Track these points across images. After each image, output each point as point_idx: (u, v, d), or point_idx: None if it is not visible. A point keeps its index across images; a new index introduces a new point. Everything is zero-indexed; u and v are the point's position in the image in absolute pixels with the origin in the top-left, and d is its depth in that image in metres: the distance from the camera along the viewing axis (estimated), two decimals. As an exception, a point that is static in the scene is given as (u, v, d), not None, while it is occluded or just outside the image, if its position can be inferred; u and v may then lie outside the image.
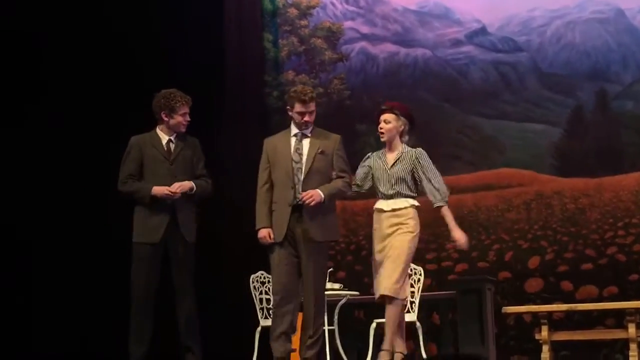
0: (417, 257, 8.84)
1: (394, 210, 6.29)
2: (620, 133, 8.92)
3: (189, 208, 6.38)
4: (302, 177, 6.10)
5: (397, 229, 6.24)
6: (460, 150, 9.37)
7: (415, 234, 6.30)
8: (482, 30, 9.51)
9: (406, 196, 6.33)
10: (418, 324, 7.55)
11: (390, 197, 6.31)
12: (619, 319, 7.87)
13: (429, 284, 8.65)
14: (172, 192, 6.22)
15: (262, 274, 8.05)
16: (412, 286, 7.61)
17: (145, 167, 6.36)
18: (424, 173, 6.32)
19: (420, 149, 6.42)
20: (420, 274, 7.70)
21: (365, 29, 9.87)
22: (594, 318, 8.34)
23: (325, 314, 7.20)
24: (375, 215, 6.37)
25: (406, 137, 6.46)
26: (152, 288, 6.26)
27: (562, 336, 7.21)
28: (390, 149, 6.41)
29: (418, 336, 7.57)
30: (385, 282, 6.13)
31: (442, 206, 6.32)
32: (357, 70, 9.84)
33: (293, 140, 6.24)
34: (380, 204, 6.35)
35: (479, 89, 9.43)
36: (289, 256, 6.09)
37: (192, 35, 8.92)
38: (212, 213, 8.48)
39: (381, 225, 6.29)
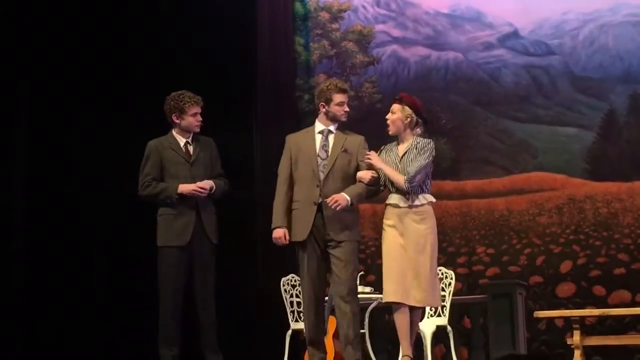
0: (448, 261, 8.90)
1: (411, 207, 6.08)
2: (653, 137, 8.87)
3: (210, 209, 6.40)
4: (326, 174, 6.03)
5: (418, 230, 6.07)
6: (492, 154, 9.34)
7: (435, 233, 6.16)
8: (514, 34, 9.47)
9: (422, 191, 6.14)
10: (449, 328, 7.54)
11: (406, 192, 6.09)
12: (652, 324, 7.84)
13: (460, 288, 8.64)
14: (200, 188, 6.25)
15: (293, 277, 8.07)
16: (443, 290, 7.60)
17: (166, 170, 6.39)
18: (411, 159, 6.11)
19: (428, 140, 6.22)
20: (452, 278, 7.69)
21: (396, 32, 9.86)
22: (627, 323, 8.30)
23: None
24: (389, 211, 6.13)
25: (418, 130, 6.25)
26: (181, 291, 6.29)
27: (594, 341, 7.14)
28: (401, 141, 6.23)
29: (449, 340, 7.57)
30: (416, 292, 6.00)
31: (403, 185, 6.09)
32: (389, 73, 9.82)
33: (319, 137, 6.16)
34: (395, 199, 6.12)
35: (511, 92, 9.39)
36: (316, 256, 6.04)
37: (225, 39, 8.96)
38: (245, 215, 8.55)
39: (399, 222, 6.08)
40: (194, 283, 6.30)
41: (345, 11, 9.97)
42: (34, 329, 8.39)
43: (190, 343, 6.32)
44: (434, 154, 6.22)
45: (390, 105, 6.30)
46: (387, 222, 6.15)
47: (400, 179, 6.07)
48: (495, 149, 9.35)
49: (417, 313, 6.20)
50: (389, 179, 6.12)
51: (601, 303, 8.49)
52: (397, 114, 6.21)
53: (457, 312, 8.23)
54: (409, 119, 6.20)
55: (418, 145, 6.18)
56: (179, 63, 8.74)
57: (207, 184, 6.32)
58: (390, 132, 6.26)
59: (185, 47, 8.85)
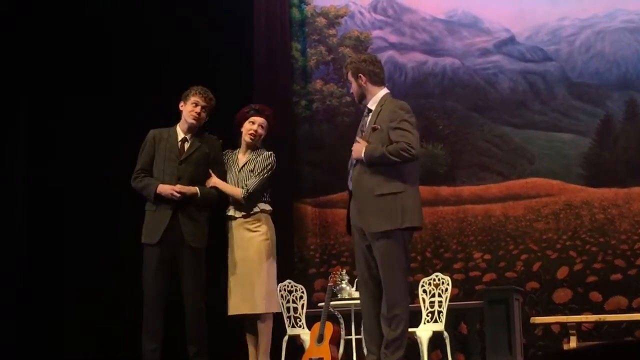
0: (445, 266, 8.90)
1: (245, 216, 6.26)
2: (650, 143, 8.87)
3: (193, 211, 6.27)
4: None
5: (252, 239, 6.22)
6: (489, 159, 9.34)
7: (272, 239, 6.26)
8: (511, 40, 9.47)
9: (258, 201, 6.30)
10: (445, 333, 7.53)
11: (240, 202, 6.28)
12: (648, 330, 7.84)
13: (456, 293, 8.63)
14: (176, 192, 6.16)
15: (290, 283, 8.07)
16: (439, 296, 7.60)
17: (155, 162, 6.33)
18: (250, 170, 6.31)
19: (270, 153, 6.40)
20: (448, 284, 7.68)
21: (393, 38, 9.86)
22: (623, 329, 8.28)
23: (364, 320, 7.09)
24: (227, 223, 6.33)
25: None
26: (160, 289, 6.24)
27: (590, 347, 7.15)
28: (248, 150, 6.41)
29: (445, 346, 7.56)
30: (256, 300, 6.18)
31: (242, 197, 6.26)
32: (385, 79, 9.80)
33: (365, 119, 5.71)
34: (231, 210, 6.32)
35: (507, 98, 9.39)
36: (362, 251, 5.60)
37: (222, 44, 8.96)
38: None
39: (237, 233, 6.26)
40: (180, 281, 6.28)
41: (342, 17, 9.98)
42: (65, 324, 8.48)
43: (178, 339, 6.32)
44: (274, 167, 6.37)
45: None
46: (229, 234, 6.32)
47: (237, 192, 6.27)
48: (491, 154, 9.35)
49: (262, 321, 6.33)
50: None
51: (598, 309, 8.48)
52: (265, 129, 6.42)
53: (454, 317, 8.23)
54: (265, 134, 6.43)
55: (259, 158, 6.34)
56: (175, 65, 8.75)
57: (189, 189, 6.21)
58: (253, 142, 6.40)
59: (180, 50, 8.85)
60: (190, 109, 6.33)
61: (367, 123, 5.62)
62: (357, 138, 5.58)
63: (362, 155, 5.45)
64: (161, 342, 6.25)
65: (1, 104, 8.46)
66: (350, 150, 5.69)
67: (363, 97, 5.71)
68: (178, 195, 6.15)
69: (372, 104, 5.66)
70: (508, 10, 9.50)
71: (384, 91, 5.71)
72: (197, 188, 6.26)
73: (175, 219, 6.20)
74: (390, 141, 5.44)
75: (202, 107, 6.33)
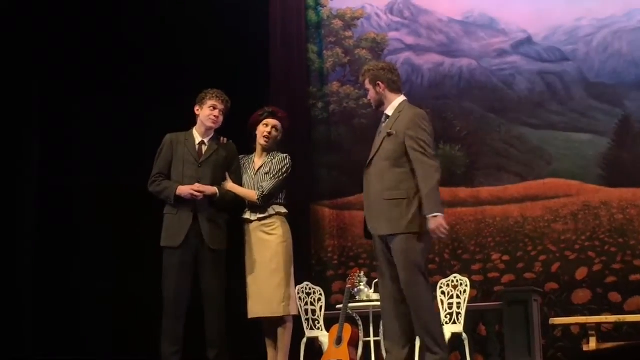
0: (463, 268, 8.88)
1: (260, 219, 6.28)
2: (668, 143, 8.83)
3: (213, 214, 6.31)
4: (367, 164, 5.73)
5: (268, 242, 6.23)
6: (507, 160, 9.31)
7: (288, 242, 6.29)
8: (528, 40, 9.45)
9: (273, 203, 6.31)
10: (464, 335, 7.52)
11: (259, 206, 6.30)
12: (668, 330, 7.79)
13: (474, 295, 8.61)
14: (196, 191, 6.19)
15: (308, 285, 8.07)
16: (458, 297, 7.59)
17: (173, 166, 6.36)
18: (266, 173, 6.32)
19: (285, 155, 6.43)
20: (466, 285, 7.67)
21: (409, 40, 9.85)
22: (643, 330, 8.25)
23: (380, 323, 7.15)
24: (244, 226, 6.34)
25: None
26: (181, 292, 6.25)
27: (610, 348, 7.13)
28: (263, 153, 6.43)
29: (464, 347, 7.55)
30: (270, 303, 6.19)
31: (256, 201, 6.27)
32: (402, 81, 9.63)
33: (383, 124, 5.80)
34: (247, 213, 6.34)
35: (525, 99, 9.36)
36: (383, 254, 5.66)
37: (238, 48, 8.98)
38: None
39: (253, 236, 6.28)
40: (201, 284, 6.29)
41: (358, 19, 9.98)
42: (81, 322, 8.52)
43: (199, 342, 6.34)
44: (290, 169, 6.39)
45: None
46: (245, 237, 6.34)
47: (252, 195, 6.29)
48: (509, 155, 9.33)
49: (282, 325, 6.33)
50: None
51: (617, 309, 8.44)
52: (279, 131, 6.45)
53: (473, 319, 8.21)
54: (280, 137, 6.45)
55: (274, 160, 6.36)
56: (190, 68, 8.79)
57: (209, 189, 6.25)
58: (266, 145, 6.42)
59: (195, 53, 8.89)
60: (208, 112, 6.37)
61: (384, 128, 5.72)
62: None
63: (434, 217, 5.42)
64: (182, 345, 6.26)
65: (13, 104, 8.52)
66: (368, 153, 5.77)
67: (381, 103, 5.81)
68: (198, 194, 6.17)
69: (390, 110, 5.76)
70: (525, 11, 9.47)
71: (401, 98, 5.82)
72: (216, 188, 6.30)
73: (196, 221, 6.24)
74: (404, 146, 5.54)
75: (220, 111, 6.38)
